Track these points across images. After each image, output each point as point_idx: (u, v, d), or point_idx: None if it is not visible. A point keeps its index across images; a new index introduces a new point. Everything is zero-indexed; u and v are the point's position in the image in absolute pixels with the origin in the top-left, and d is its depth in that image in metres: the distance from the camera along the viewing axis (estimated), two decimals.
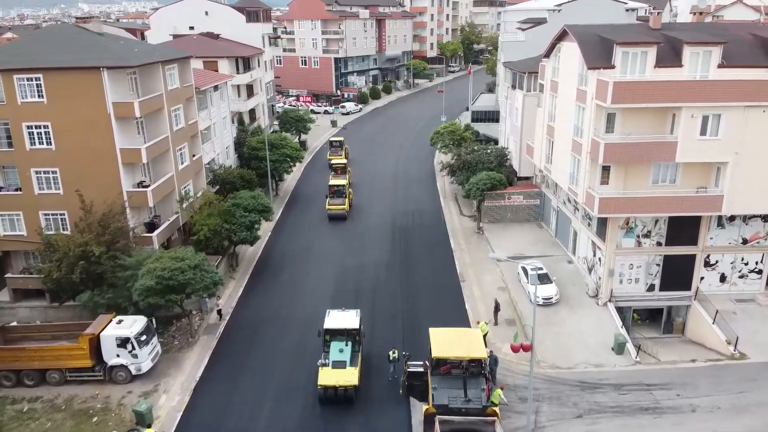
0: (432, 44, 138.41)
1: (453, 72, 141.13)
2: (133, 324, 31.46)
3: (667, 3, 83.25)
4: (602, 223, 36.01)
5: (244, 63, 66.83)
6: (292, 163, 60.03)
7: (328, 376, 28.27)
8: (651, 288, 36.47)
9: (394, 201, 58.08)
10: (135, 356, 30.80)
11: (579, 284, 39.01)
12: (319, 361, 29.25)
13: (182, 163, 43.90)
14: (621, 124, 33.67)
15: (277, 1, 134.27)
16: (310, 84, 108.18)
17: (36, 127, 36.53)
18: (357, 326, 30.62)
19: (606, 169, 34.46)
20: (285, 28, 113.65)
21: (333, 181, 55.84)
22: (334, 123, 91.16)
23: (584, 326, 34.83)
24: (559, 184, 42.18)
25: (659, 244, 35.66)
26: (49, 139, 36.68)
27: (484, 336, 31.38)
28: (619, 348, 32.28)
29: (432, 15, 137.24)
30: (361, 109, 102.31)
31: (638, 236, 35.53)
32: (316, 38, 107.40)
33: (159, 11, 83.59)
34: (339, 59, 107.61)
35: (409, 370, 28.89)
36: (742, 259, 36.20)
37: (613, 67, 33.05)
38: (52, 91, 35.82)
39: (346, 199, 54.13)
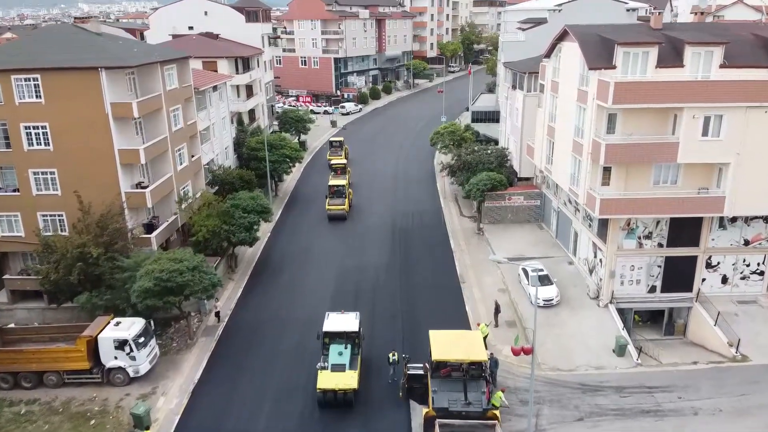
0: (432, 44, 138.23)
1: (453, 72, 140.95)
2: (131, 326, 31.25)
3: (668, 3, 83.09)
4: (603, 224, 35.82)
5: (244, 63, 66.63)
6: (291, 164, 59.86)
7: (327, 380, 28.04)
8: (652, 289, 36.28)
9: (393, 201, 57.90)
10: (133, 358, 30.60)
11: (580, 285, 38.82)
12: (318, 364, 29.04)
13: (181, 163, 43.71)
14: (622, 124, 33.49)
15: (276, 1, 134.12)
16: (310, 84, 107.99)
17: (34, 127, 36.34)
18: (356, 329, 30.41)
19: (607, 170, 34.27)
20: (285, 28, 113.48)
21: (333, 182, 55.68)
22: (333, 123, 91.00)
23: (585, 328, 34.63)
24: (559, 185, 41.99)
25: (660, 245, 35.47)
26: (47, 139, 36.49)
27: (485, 338, 31.17)
28: (620, 350, 32.09)
29: (432, 15, 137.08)
30: (360, 109, 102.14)
31: (639, 237, 35.33)
32: (316, 38, 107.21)
33: (158, 11, 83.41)
34: (339, 59, 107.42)
35: (408, 372, 28.68)
36: (744, 261, 35.99)
37: (614, 67, 32.86)
38: (50, 91, 35.63)
39: (346, 200, 53.97)
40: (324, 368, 28.62)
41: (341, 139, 72.65)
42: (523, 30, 61.99)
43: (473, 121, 71.94)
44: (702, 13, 41.28)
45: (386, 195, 59.86)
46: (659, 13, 37.85)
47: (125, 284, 33.20)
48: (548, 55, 41.93)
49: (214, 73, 59.13)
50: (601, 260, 36.75)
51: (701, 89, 31.53)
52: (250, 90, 68.47)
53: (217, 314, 36.85)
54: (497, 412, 25.97)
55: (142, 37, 75.83)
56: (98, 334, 30.91)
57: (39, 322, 37.68)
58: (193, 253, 35.85)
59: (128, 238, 36.31)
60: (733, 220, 34.88)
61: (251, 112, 68.37)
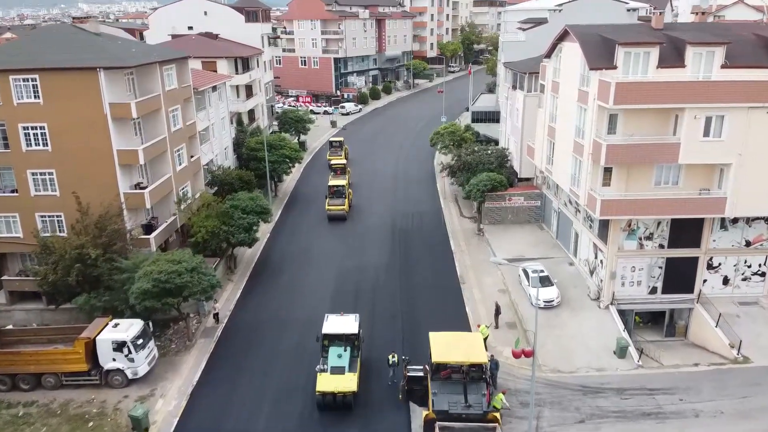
0: (432, 44, 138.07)
1: (453, 72, 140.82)
2: (129, 328, 31.07)
3: (668, 3, 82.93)
4: (604, 225, 35.67)
5: (243, 63, 66.46)
6: (291, 164, 59.71)
7: (326, 382, 27.84)
8: (653, 291, 36.14)
9: (393, 202, 57.76)
10: (131, 360, 30.42)
11: (580, 286, 38.67)
12: (318, 366, 28.83)
13: (180, 164, 43.54)
14: (623, 125, 33.34)
15: (276, 1, 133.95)
16: (310, 84, 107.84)
17: (32, 128, 36.12)
18: (356, 331, 30.21)
19: (608, 171, 34.12)
20: (284, 28, 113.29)
21: (332, 182, 55.54)
22: (333, 123, 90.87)
23: (586, 329, 34.48)
24: (560, 186, 41.84)
25: (662, 246, 35.32)
26: (46, 140, 36.29)
27: (485, 339, 31.03)
28: (621, 352, 31.93)
29: (432, 15, 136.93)
30: (360, 109, 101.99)
31: (640, 238, 35.18)
32: (316, 38, 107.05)
33: (158, 11, 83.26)
34: (339, 59, 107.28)
35: (408, 374, 28.52)
36: (745, 262, 35.84)
37: (615, 67, 32.70)
38: (49, 91, 35.42)
39: (346, 200, 53.83)
40: (323, 371, 28.42)
41: (341, 139, 72.56)
42: (524, 30, 61.85)
43: (473, 121, 71.82)
44: (703, 13, 41.13)
45: (386, 195, 59.71)
46: (660, 13, 37.70)
47: (124, 285, 33.02)
48: (549, 55, 41.78)
49: (213, 73, 58.96)
50: (601, 261, 36.60)
51: (703, 89, 31.38)
52: (249, 90, 68.31)
53: (216, 316, 36.65)
54: (498, 415, 25.81)
55: (142, 37, 75.72)
56: (96, 335, 30.73)
57: (37, 324, 37.51)
58: (192, 254, 35.68)
59: (127, 239, 36.13)
60: (735, 221, 34.73)
61: (251, 113, 68.22)
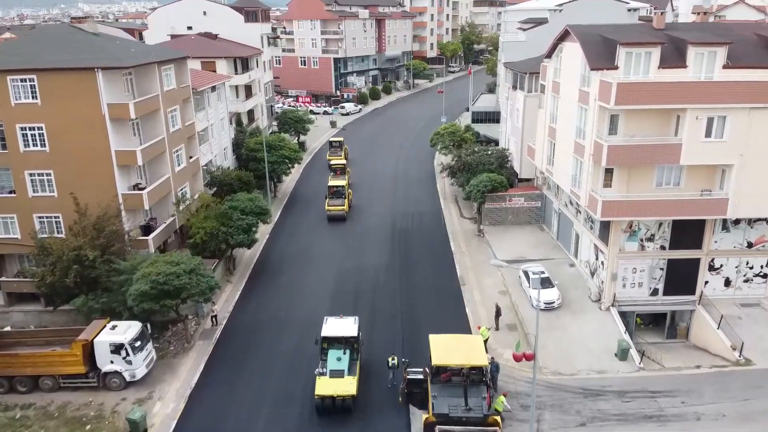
0: (432, 44, 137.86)
1: (453, 72, 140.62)
2: (127, 330, 30.87)
3: (668, 3, 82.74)
4: (605, 226, 35.46)
5: (243, 63, 66.26)
6: (290, 165, 59.51)
7: (325, 386, 27.60)
8: (654, 292, 35.94)
9: (393, 202, 57.58)
10: (129, 362, 30.21)
11: (581, 288, 38.47)
12: (317, 370, 28.58)
13: (179, 165, 43.35)
14: (624, 125, 33.15)
15: (276, 1, 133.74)
16: (310, 84, 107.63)
17: (30, 128, 35.96)
18: (355, 334, 29.93)
19: (609, 172, 33.92)
20: (284, 28, 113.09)
21: (332, 182, 55.37)
22: (333, 124, 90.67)
23: (587, 331, 34.29)
24: (560, 187, 41.63)
25: (663, 247, 35.13)
26: (43, 140, 36.12)
27: (485, 341, 30.87)
28: (623, 354, 31.73)
29: (432, 15, 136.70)
30: (360, 109, 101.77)
31: (642, 240, 34.99)
32: (316, 38, 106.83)
33: (157, 11, 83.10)
34: (338, 59, 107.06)
35: (408, 377, 28.31)
36: (747, 263, 35.65)
37: (616, 67, 32.50)
38: (47, 92, 35.25)
39: (346, 200, 53.66)
40: (322, 374, 28.16)
41: (341, 139, 72.39)
42: (524, 30, 61.66)
43: (473, 121, 71.63)
44: (705, 13, 40.94)
45: (386, 196, 59.52)
46: (662, 13, 37.50)
47: (122, 287, 32.82)
48: (549, 55, 41.58)
49: (212, 73, 58.79)
50: (602, 263, 36.40)
51: (704, 90, 31.22)
52: (249, 90, 68.11)
53: (214, 318, 36.42)
54: (498, 418, 25.62)
55: (141, 38, 75.43)
56: (94, 337, 30.54)
57: (35, 325, 37.32)
58: (191, 255, 35.49)
59: (125, 241, 35.96)
60: (737, 222, 34.53)
61: (250, 113, 68.02)
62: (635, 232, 34.87)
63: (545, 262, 41.15)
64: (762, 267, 35.78)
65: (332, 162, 64.00)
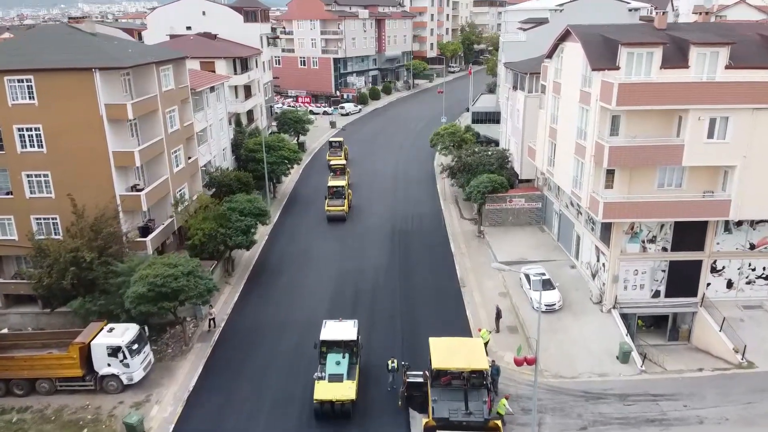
0: (432, 44, 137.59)
1: (453, 72, 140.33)
2: (124, 332, 30.60)
3: (669, 3, 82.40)
4: (606, 227, 35.20)
5: (242, 63, 66.02)
6: (289, 165, 59.25)
7: (324, 390, 27.27)
8: (656, 294, 35.66)
9: (393, 202, 57.34)
10: (126, 365, 29.94)
11: (582, 290, 38.22)
12: (315, 374, 28.26)
13: (177, 165, 43.11)
14: (626, 126, 32.88)
15: (275, 1, 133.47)
16: (309, 84, 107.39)
17: (27, 129, 35.79)
18: (354, 337, 29.60)
19: (610, 173, 33.63)
20: (284, 28, 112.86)
21: (332, 182, 55.14)
22: (333, 124, 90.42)
23: (588, 333, 34.03)
24: (561, 188, 41.37)
25: (665, 249, 34.86)
26: (41, 141, 35.93)
27: (486, 344, 30.62)
28: (624, 357, 31.46)
29: (432, 15, 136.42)
30: (360, 109, 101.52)
31: (643, 241, 34.73)
32: (315, 38, 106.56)
33: (156, 11, 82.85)
34: (338, 59, 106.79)
35: (408, 380, 28.01)
36: (750, 265, 35.37)
37: (617, 68, 32.22)
38: (44, 92, 35.06)
39: (345, 200, 53.44)
40: (321, 378, 27.84)
41: (341, 139, 72.19)
42: (524, 30, 61.38)
43: (473, 122, 71.39)
44: (707, 13, 40.65)
45: (386, 196, 59.28)
46: (664, 13, 37.22)
47: (119, 289, 32.58)
48: (550, 55, 41.32)
49: (211, 73, 58.54)
50: (604, 264, 36.13)
51: (707, 90, 30.93)
52: (248, 90, 67.88)
53: (212, 321, 36.12)
54: (499, 422, 25.35)
55: (140, 38, 75.17)
56: (91, 340, 30.28)
57: (33, 327, 37.09)
58: (190, 256, 35.22)
59: (123, 242, 35.72)
60: (739, 223, 34.25)
61: (249, 113, 67.77)
62: (637, 234, 34.61)
63: (546, 263, 40.89)
64: (764, 269, 35.52)
65: (332, 162, 63.75)
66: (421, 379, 27.85)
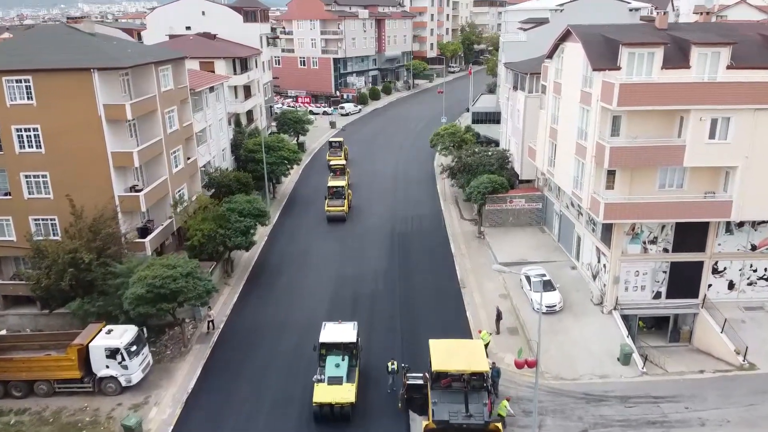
0: (432, 44, 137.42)
1: (453, 72, 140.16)
2: (123, 334, 30.44)
3: (669, 3, 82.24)
4: (607, 228, 35.03)
5: (242, 64, 65.86)
6: (289, 166, 59.08)
7: (323, 393, 27.07)
8: (657, 295, 35.51)
9: (393, 203, 57.21)
10: (125, 367, 29.77)
11: (583, 291, 38.06)
12: (315, 376, 28.04)
13: (176, 166, 42.97)
14: (627, 127, 32.70)
15: (275, 1, 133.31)
16: (309, 85, 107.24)
17: (25, 130, 35.67)
18: (354, 339, 29.37)
19: (611, 174, 33.45)
20: (284, 28, 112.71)
21: (332, 183, 55.01)
22: (333, 124, 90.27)
23: (589, 335, 33.87)
24: (562, 188, 41.21)
25: (666, 250, 34.71)
26: (39, 142, 35.79)
27: (486, 345, 30.45)
28: (625, 358, 31.30)
29: (432, 15, 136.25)
30: (360, 110, 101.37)
31: (644, 242, 34.58)
32: (315, 38, 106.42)
33: (155, 11, 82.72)
34: (338, 60, 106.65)
35: (408, 382, 27.82)
36: (751, 266, 35.22)
37: (618, 68, 32.05)
38: (42, 93, 34.94)
39: (345, 201, 53.29)
40: (320, 381, 27.63)
41: (341, 139, 72.08)
42: (524, 30, 61.26)
43: (474, 122, 71.22)
44: (708, 13, 40.51)
45: (386, 196, 59.14)
46: (665, 12, 37.08)
47: (118, 290, 32.44)
48: (550, 55, 41.17)
49: (211, 73, 58.39)
50: (604, 265, 35.98)
51: (708, 91, 30.77)
52: (248, 91, 67.71)
53: (211, 323, 35.93)
54: (500, 425, 25.18)
55: (140, 38, 75.07)
56: (89, 342, 30.11)
57: (31, 328, 36.94)
58: (189, 257, 35.05)
59: (121, 243, 35.54)
60: (740, 224, 34.10)
61: (249, 113, 67.61)
62: (638, 235, 34.45)
63: (546, 264, 40.73)
64: (766, 270, 35.35)
65: (332, 162, 63.62)
66: (421, 381, 27.66)
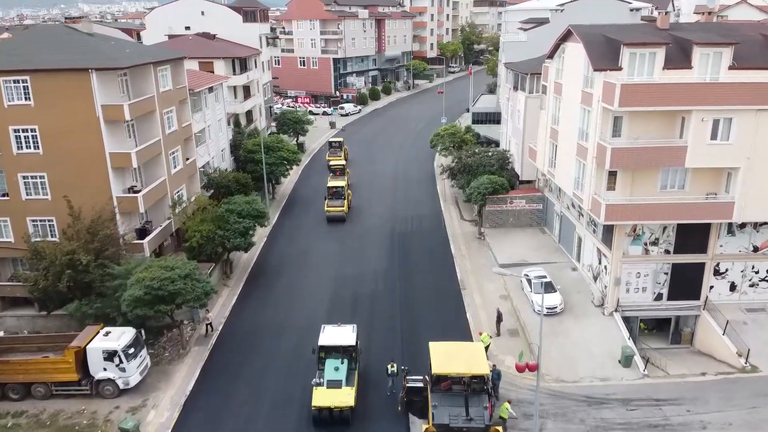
0: (432, 44, 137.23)
1: (453, 73, 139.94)
2: (120, 336, 30.22)
3: (670, 3, 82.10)
4: (608, 230, 34.84)
5: (241, 64, 65.65)
6: (288, 166, 58.87)
7: (322, 397, 26.85)
8: (659, 297, 35.32)
9: (393, 203, 57.03)
10: (123, 370, 29.55)
11: (584, 292, 37.86)
12: (313, 380, 27.80)
13: (175, 167, 42.75)
14: (628, 127, 32.52)
15: (275, 1, 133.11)
16: (309, 85, 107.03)
17: (23, 130, 35.48)
18: (353, 342, 29.10)
19: (612, 175, 33.26)
20: (283, 28, 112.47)
21: (332, 183, 54.83)
22: (332, 124, 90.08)
23: (590, 336, 33.67)
24: (562, 189, 41.01)
25: (667, 251, 34.51)
26: (37, 143, 35.61)
27: (486, 348, 30.26)
28: (627, 360, 31.10)
29: (432, 15, 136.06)
30: (360, 110, 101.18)
31: (646, 244, 34.39)
32: (315, 38, 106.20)
33: (154, 11, 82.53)
34: (338, 60, 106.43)
35: (408, 385, 27.63)
36: (753, 268, 35.04)
37: (620, 68, 31.85)
38: (40, 93, 34.75)
39: (345, 201, 53.11)
40: (319, 384, 27.40)
41: (341, 140, 71.88)
42: (525, 30, 61.10)
43: (474, 122, 71.04)
44: (709, 13, 40.40)
45: (386, 197, 58.95)
46: (666, 12, 36.89)
47: (116, 292, 32.22)
48: (551, 55, 40.97)
49: (210, 74, 58.19)
50: (606, 267, 35.78)
51: (710, 91, 30.60)
52: (247, 91, 67.50)
53: (209, 326, 35.68)
54: (500, 428, 24.99)
55: (139, 38, 74.85)
56: (87, 344, 29.90)
57: (29, 330, 36.77)
58: (187, 258, 34.84)
59: (120, 245, 35.33)
60: (742, 226, 33.93)
61: (248, 114, 67.37)
62: (639, 236, 34.26)
63: (547, 265, 40.52)
64: None
65: (332, 163, 63.46)
66: (421, 384, 27.48)
